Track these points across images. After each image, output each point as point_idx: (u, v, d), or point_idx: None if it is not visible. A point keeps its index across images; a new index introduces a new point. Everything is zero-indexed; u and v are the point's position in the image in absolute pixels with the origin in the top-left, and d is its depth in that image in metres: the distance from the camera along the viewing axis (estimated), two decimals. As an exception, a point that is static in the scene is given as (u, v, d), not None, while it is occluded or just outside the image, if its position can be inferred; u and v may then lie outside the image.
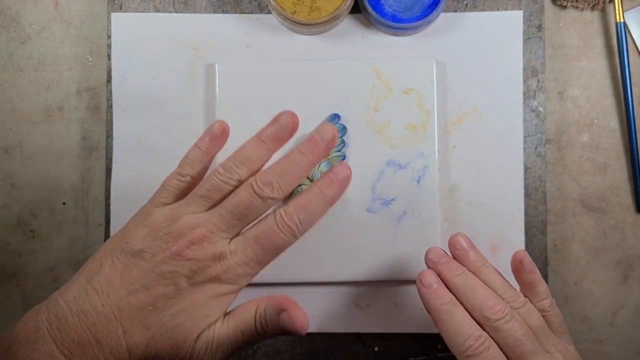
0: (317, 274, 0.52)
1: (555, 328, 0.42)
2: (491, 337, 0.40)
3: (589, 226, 0.54)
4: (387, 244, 0.52)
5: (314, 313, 0.53)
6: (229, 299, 0.40)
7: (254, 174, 0.41)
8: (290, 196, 0.53)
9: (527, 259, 0.43)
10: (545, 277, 0.53)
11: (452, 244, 0.44)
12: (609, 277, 0.54)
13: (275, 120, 0.43)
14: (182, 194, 0.42)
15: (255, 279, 0.52)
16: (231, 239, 0.40)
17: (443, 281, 0.42)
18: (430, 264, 0.43)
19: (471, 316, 0.40)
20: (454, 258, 0.44)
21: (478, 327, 0.40)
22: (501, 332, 0.39)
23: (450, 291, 0.42)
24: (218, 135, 0.44)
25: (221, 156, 0.52)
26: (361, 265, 0.52)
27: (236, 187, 0.41)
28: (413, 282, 0.52)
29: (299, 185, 0.51)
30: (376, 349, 0.53)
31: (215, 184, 0.40)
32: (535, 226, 0.53)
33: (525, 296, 0.43)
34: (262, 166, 0.42)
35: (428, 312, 0.41)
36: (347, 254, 0.52)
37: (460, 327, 0.39)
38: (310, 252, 0.52)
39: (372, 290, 0.53)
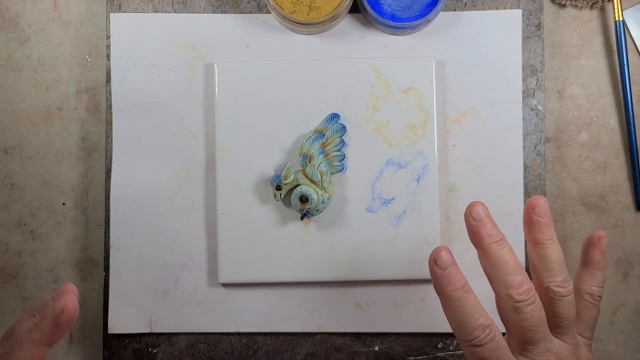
0: (317, 274, 0.52)
1: (586, 321, 0.42)
2: (506, 316, 0.39)
3: (589, 225, 0.54)
4: (387, 243, 0.52)
5: (314, 313, 0.53)
6: None
7: None
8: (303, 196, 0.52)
9: (606, 241, 0.42)
10: (545, 275, 0.53)
11: (530, 208, 0.41)
12: (609, 275, 0.54)
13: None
14: None
15: (255, 279, 0.52)
16: None
17: (478, 243, 0.40)
18: (471, 221, 0.40)
19: (493, 288, 0.39)
20: (530, 224, 0.41)
21: (487, 315, 0.39)
22: (520, 314, 0.38)
23: (481, 255, 0.40)
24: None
25: (222, 154, 0.52)
26: (361, 265, 0.52)
27: None
28: (413, 281, 0.52)
29: (298, 185, 0.51)
30: (376, 348, 0.53)
31: None
32: (535, 225, 0.53)
33: (581, 274, 0.42)
34: None
35: (437, 294, 0.40)
36: (347, 253, 0.52)
37: (469, 316, 0.38)
38: (311, 252, 0.52)
39: (372, 290, 0.53)
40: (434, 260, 0.40)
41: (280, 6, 0.50)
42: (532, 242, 0.41)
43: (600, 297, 0.42)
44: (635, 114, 0.53)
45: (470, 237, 0.41)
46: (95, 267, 0.55)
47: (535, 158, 0.53)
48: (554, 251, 0.40)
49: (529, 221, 0.41)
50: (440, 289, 0.40)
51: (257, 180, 0.52)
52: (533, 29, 0.53)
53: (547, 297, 0.40)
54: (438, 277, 0.40)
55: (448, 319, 0.40)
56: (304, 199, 0.51)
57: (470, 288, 0.40)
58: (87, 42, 0.55)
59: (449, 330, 0.53)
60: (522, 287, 0.38)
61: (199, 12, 0.54)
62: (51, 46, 0.55)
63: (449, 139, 0.53)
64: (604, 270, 0.42)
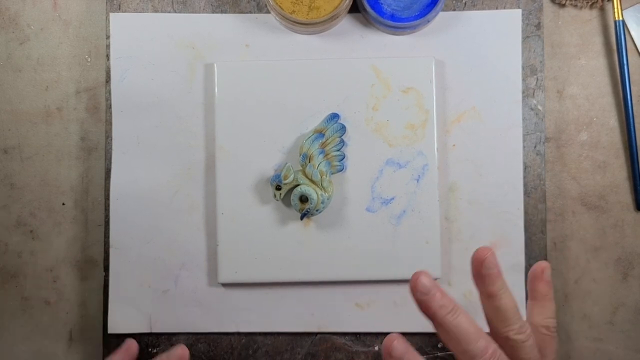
0: (317, 274, 0.52)
1: (549, 355, 0.42)
2: None
3: (589, 224, 0.54)
4: (386, 243, 0.52)
5: (314, 313, 0.53)
6: None
7: None
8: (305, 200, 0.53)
9: (549, 271, 0.42)
10: (545, 275, 0.53)
11: (479, 262, 0.40)
12: (609, 275, 0.54)
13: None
14: None
15: (255, 279, 0.52)
16: None
17: (432, 317, 0.39)
18: (418, 296, 0.39)
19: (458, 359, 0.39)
20: (480, 278, 0.40)
21: (484, 335, 0.39)
22: None
23: (438, 329, 0.39)
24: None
25: (222, 154, 0.52)
26: (361, 265, 0.52)
27: None
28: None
29: (298, 185, 0.51)
30: (376, 348, 0.53)
31: None
32: (535, 225, 0.53)
33: (532, 309, 0.42)
34: None
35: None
36: (347, 253, 0.52)
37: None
38: (311, 252, 0.52)
39: (372, 290, 0.53)
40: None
41: (280, 6, 0.50)
42: (484, 294, 0.41)
43: (555, 327, 0.42)
44: (635, 114, 0.53)
45: (421, 311, 0.40)
46: (95, 267, 0.55)
47: (535, 158, 0.53)
48: (507, 300, 0.40)
49: (478, 275, 0.40)
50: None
51: (257, 180, 0.52)
52: (533, 29, 0.53)
53: (509, 346, 0.40)
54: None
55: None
56: (303, 199, 0.51)
57: (462, 310, 0.39)
58: (87, 42, 0.55)
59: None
60: (487, 351, 0.38)
61: (199, 12, 0.54)
62: (51, 46, 0.55)
63: (449, 139, 0.53)
64: (552, 300, 0.42)
